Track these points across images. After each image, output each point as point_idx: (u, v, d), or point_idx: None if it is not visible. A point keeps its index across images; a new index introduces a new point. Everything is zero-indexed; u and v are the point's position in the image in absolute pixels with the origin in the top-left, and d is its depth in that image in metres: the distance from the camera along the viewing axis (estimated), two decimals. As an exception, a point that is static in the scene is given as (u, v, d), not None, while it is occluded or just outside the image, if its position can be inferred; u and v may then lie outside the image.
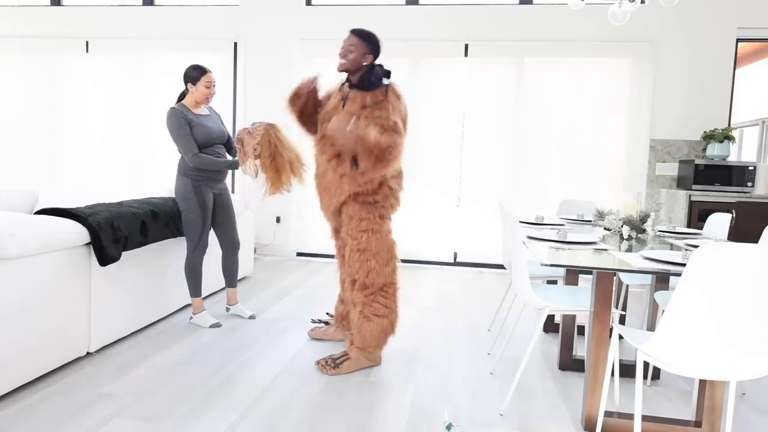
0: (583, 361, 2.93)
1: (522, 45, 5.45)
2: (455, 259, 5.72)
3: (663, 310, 2.56)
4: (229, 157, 3.51)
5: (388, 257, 2.81)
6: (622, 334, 2.05)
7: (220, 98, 5.87)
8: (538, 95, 5.48)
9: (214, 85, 3.33)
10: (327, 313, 3.55)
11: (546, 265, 2.08)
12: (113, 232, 2.87)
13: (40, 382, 2.54)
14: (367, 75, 2.77)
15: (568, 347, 2.94)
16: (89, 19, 6.03)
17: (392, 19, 5.59)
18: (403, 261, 5.75)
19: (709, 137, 5.09)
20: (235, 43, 5.85)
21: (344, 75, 2.91)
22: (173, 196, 3.78)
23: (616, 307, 3.49)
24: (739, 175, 4.89)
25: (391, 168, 2.69)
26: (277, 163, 3.20)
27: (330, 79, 3.21)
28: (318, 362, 2.84)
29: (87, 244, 2.78)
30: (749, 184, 4.88)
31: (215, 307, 3.88)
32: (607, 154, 5.45)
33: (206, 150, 3.32)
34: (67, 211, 2.79)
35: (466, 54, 5.54)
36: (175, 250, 3.55)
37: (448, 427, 2.16)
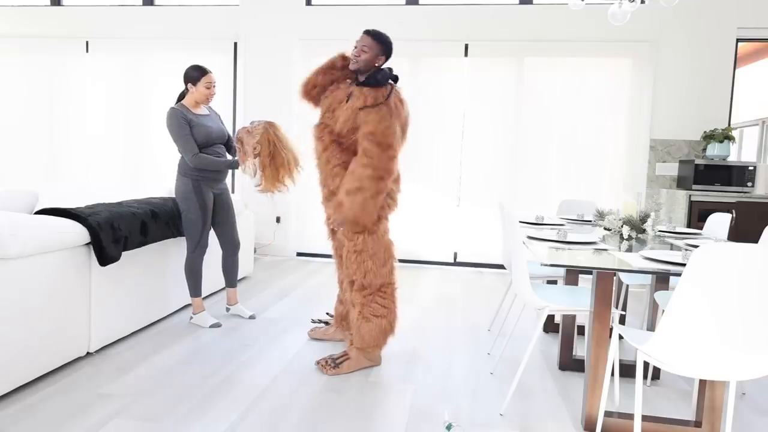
0: (583, 361, 2.93)
1: (522, 45, 5.45)
2: (455, 259, 5.72)
3: (663, 310, 2.56)
4: (229, 157, 3.51)
5: (385, 258, 2.81)
6: (622, 334, 2.05)
7: (220, 98, 5.87)
8: (538, 95, 5.48)
9: (214, 86, 3.33)
10: (327, 313, 3.55)
11: (546, 265, 2.08)
12: (113, 232, 2.87)
13: (40, 382, 2.54)
14: (374, 74, 2.78)
15: (568, 347, 2.94)
16: (89, 19, 6.03)
17: (392, 19, 5.59)
18: (403, 261, 5.75)
19: (709, 137, 5.09)
20: (235, 43, 5.85)
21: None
22: (173, 196, 3.79)
23: (616, 307, 3.49)
24: (739, 175, 4.89)
25: (390, 178, 2.70)
26: (276, 162, 3.20)
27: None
28: (318, 362, 2.84)
29: (87, 244, 2.78)
30: (749, 184, 4.88)
31: (215, 307, 3.88)
32: (607, 154, 5.45)
33: (206, 150, 3.32)
34: (67, 211, 2.79)
35: (466, 54, 5.54)
36: (175, 250, 3.55)
37: (448, 427, 2.16)
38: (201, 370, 2.76)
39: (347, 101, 2.78)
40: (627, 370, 2.89)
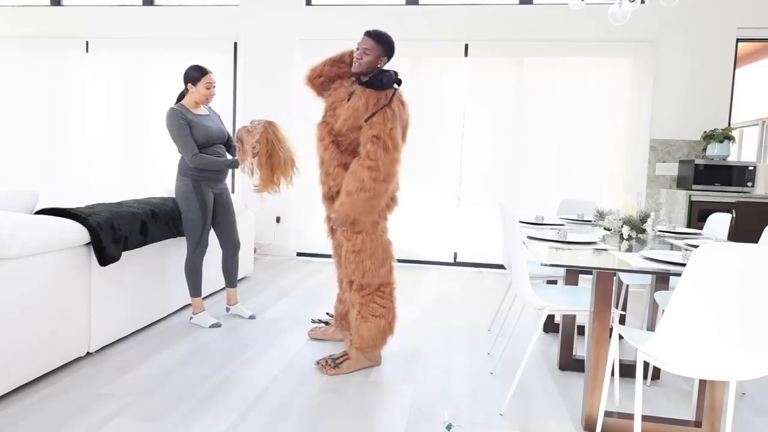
0: (583, 361, 2.93)
1: (522, 45, 5.45)
2: (455, 259, 5.72)
3: (663, 310, 2.56)
4: (229, 157, 3.51)
5: (383, 257, 2.81)
6: (622, 334, 2.05)
7: (220, 98, 5.87)
8: (538, 95, 5.48)
9: (214, 86, 3.33)
10: (327, 313, 3.55)
11: (546, 265, 2.08)
12: (113, 232, 2.87)
13: (40, 382, 2.54)
14: (378, 76, 2.77)
15: (568, 347, 2.94)
16: (89, 19, 6.03)
17: (392, 19, 5.59)
18: (403, 261, 5.75)
19: (709, 137, 5.09)
20: (235, 43, 5.85)
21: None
22: (173, 196, 3.79)
23: (616, 307, 3.49)
24: (739, 175, 4.89)
25: (392, 181, 2.70)
26: (273, 161, 3.20)
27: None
28: (318, 362, 2.84)
29: (87, 244, 2.78)
30: (749, 184, 4.88)
31: (215, 307, 3.88)
32: (607, 154, 5.45)
33: (206, 150, 3.32)
34: (67, 211, 2.79)
35: (466, 54, 5.54)
36: (175, 250, 3.55)
37: (448, 427, 2.16)
38: (201, 370, 2.76)
39: (348, 100, 2.79)
40: (627, 370, 2.89)
